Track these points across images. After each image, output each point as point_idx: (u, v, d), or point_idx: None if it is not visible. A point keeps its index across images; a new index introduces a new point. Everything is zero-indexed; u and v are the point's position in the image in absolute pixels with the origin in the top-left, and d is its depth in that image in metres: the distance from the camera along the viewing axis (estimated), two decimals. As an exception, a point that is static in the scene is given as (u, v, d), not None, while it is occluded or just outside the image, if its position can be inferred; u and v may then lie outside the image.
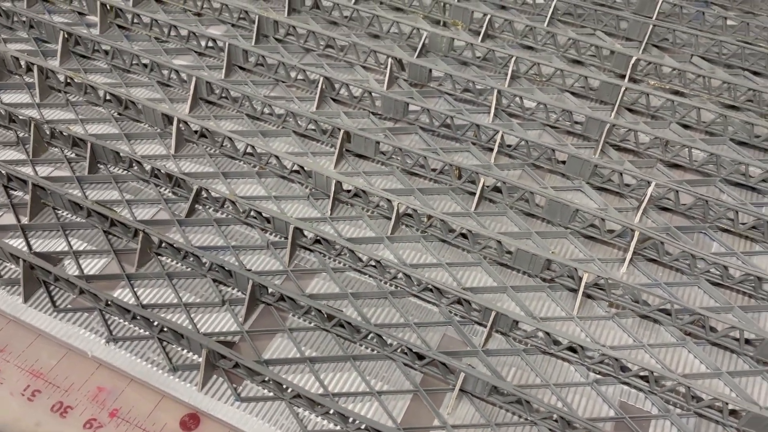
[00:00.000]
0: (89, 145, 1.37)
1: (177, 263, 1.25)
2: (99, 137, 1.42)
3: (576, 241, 1.30)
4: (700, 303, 1.21)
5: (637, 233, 1.23)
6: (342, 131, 1.41)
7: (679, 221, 1.35)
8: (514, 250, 1.22)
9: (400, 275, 1.20)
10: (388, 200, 1.29)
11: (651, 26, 1.66)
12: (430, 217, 1.28)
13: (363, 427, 1.02)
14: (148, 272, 1.23)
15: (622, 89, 1.51)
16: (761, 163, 1.39)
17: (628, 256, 1.25)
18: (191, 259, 1.22)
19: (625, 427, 1.06)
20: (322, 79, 1.52)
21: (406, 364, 1.11)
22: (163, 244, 1.23)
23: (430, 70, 1.57)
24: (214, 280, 1.21)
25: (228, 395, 1.08)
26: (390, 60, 1.57)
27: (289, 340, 1.15)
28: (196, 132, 1.44)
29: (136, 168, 1.37)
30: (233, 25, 1.73)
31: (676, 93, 1.59)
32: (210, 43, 1.64)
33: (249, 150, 1.41)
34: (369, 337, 1.12)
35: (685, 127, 1.52)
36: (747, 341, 1.13)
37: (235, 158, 1.43)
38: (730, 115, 1.48)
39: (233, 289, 1.22)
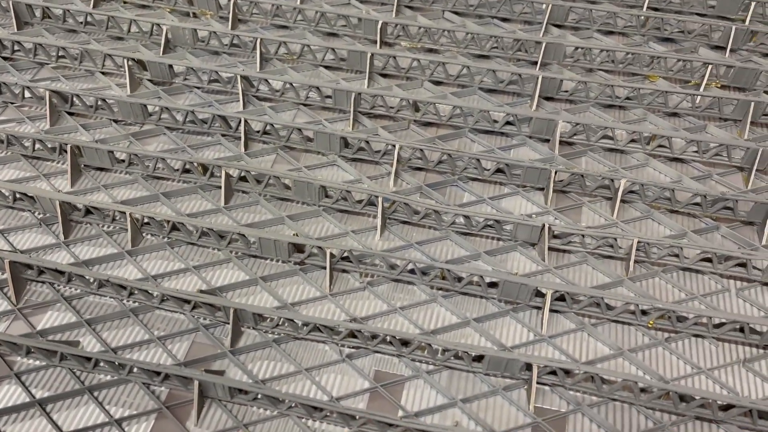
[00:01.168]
0: None
1: None
2: None
3: (330, 218, 1.27)
4: (452, 255, 1.22)
5: (380, 199, 1.22)
6: (70, 147, 1.30)
7: (433, 178, 1.35)
8: (257, 239, 1.17)
9: (136, 291, 1.12)
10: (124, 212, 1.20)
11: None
12: (167, 223, 1.20)
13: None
14: None
15: (368, 55, 1.50)
16: (508, 108, 1.42)
17: (379, 223, 1.24)
18: None
19: (379, 396, 1.04)
20: (48, 93, 1.40)
21: (147, 383, 1.04)
22: None
23: (171, 66, 1.48)
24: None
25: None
26: (126, 61, 1.46)
27: (19, 387, 1.04)
28: None
29: None
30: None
31: (430, 51, 1.60)
32: None
33: (-35, 184, 1.27)
34: (101, 364, 1.04)
35: (438, 83, 1.53)
36: (491, 284, 1.14)
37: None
38: (474, 65, 1.50)
39: (-48, 342, 1.09)
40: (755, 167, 1.31)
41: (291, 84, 1.45)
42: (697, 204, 1.25)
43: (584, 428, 1.01)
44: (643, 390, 1.01)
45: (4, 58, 1.55)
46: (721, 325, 1.07)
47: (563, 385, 1.03)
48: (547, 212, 1.27)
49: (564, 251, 1.23)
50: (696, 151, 1.36)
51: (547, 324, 1.10)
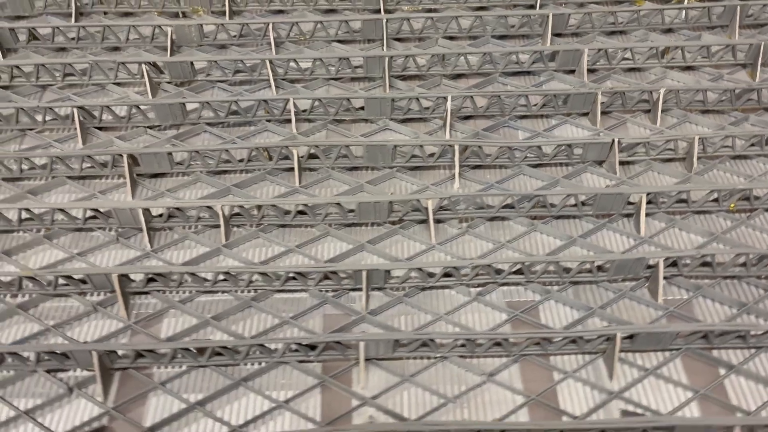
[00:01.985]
0: None
1: (-7, 373, 1.03)
2: None
3: (405, 176, 1.30)
4: (531, 187, 1.28)
5: (456, 146, 1.26)
6: (126, 156, 1.24)
7: (483, 123, 1.40)
8: (356, 205, 1.18)
9: (255, 278, 1.10)
10: (209, 207, 1.17)
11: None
12: (260, 207, 1.18)
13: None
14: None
15: (384, 21, 1.52)
16: (538, 47, 1.49)
17: (456, 171, 1.27)
18: (9, 360, 1.01)
19: (521, 323, 1.09)
20: (75, 110, 1.33)
21: (301, 362, 1.03)
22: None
23: (192, 63, 1.44)
24: (48, 371, 1.02)
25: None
26: (144, 66, 1.41)
27: (167, 395, 1.00)
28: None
29: None
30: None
31: (431, 11, 1.64)
32: None
33: (25, 215, 1.19)
34: (251, 353, 1.02)
35: (451, 38, 1.58)
36: (583, 203, 1.21)
37: (11, 230, 1.21)
38: (482, 15, 1.55)
39: (75, 371, 1.03)
40: (760, 61, 1.46)
41: (321, 60, 1.45)
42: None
43: (709, 308, 1.10)
44: (743, 264, 1.12)
45: (4, 87, 1.45)
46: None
47: (681, 274, 1.11)
48: (598, 132, 1.35)
49: (628, 163, 1.31)
50: (705, 57, 1.48)
51: (644, 227, 1.18)
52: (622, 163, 1.30)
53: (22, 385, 1.02)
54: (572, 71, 1.49)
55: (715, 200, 1.21)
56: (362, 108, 1.39)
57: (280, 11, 1.64)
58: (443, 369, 1.04)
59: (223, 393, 1.00)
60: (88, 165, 1.27)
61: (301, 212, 1.20)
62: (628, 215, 1.22)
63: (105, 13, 1.63)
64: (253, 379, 1.02)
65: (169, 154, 1.26)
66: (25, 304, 1.10)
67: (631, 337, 1.02)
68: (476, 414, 0.98)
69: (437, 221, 1.22)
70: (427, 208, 1.18)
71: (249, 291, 1.12)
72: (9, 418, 0.98)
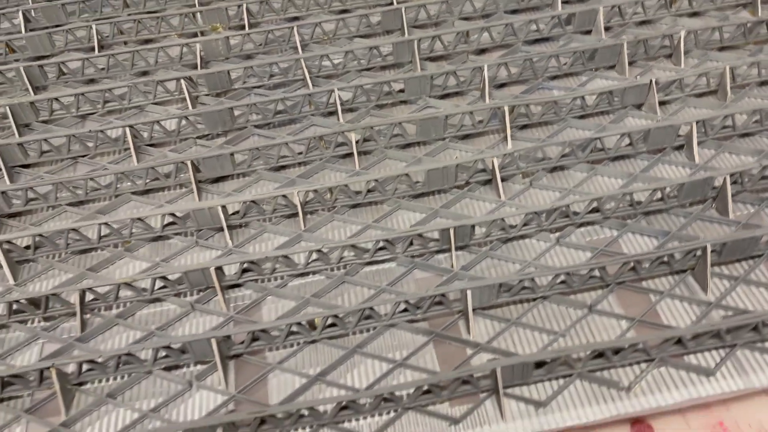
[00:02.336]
0: None
1: (108, 380, 1.03)
2: None
3: (458, 145, 1.34)
4: (581, 137, 1.33)
5: (506, 107, 1.31)
6: (189, 163, 1.26)
7: (518, 89, 1.46)
8: (424, 175, 1.22)
9: (344, 254, 1.13)
10: (284, 197, 1.20)
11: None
12: (332, 191, 1.21)
13: (419, 391, 0.95)
14: (86, 408, 0.99)
15: (402, 10, 1.57)
16: (545, 14, 1.56)
17: (508, 131, 1.32)
18: (128, 365, 1.01)
19: (607, 257, 1.13)
20: (127, 129, 1.35)
21: (410, 321, 1.06)
22: (84, 370, 1.00)
23: (228, 73, 1.48)
24: (165, 369, 1.03)
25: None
26: (182, 81, 1.44)
27: (286, 374, 1.02)
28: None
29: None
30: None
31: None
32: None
33: (104, 232, 1.20)
34: (359, 322, 1.04)
35: (467, 19, 1.64)
36: (631, 144, 1.27)
37: (91, 249, 1.22)
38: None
39: (189, 366, 1.04)
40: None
41: (352, 52, 1.50)
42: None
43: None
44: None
45: (44, 122, 1.46)
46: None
47: (745, 189, 1.17)
48: (626, 79, 1.41)
49: (665, 103, 1.38)
50: (711, 1, 1.57)
51: (698, 155, 1.24)
52: (660, 103, 1.36)
53: (138, 388, 1.02)
54: (589, 32, 1.55)
55: (757, 121, 1.28)
56: (401, 91, 1.43)
57: (296, 18, 1.69)
58: (545, 309, 1.07)
59: (340, 363, 1.02)
60: (151, 178, 1.29)
61: (369, 191, 1.23)
62: (679, 147, 1.28)
63: (125, 42, 1.66)
64: (365, 346, 1.04)
65: (232, 154, 1.28)
66: (122, 313, 1.11)
67: (714, 251, 1.07)
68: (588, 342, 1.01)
69: (502, 180, 1.26)
70: (492, 168, 1.22)
71: (339, 269, 1.15)
72: (133, 420, 0.98)
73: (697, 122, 1.24)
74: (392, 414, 0.96)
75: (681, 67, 1.44)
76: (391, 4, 1.66)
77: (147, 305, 1.13)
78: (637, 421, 1.00)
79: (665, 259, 1.07)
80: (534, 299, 1.07)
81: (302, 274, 1.14)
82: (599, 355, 0.97)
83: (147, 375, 1.03)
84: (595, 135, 1.25)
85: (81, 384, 1.02)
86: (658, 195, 1.17)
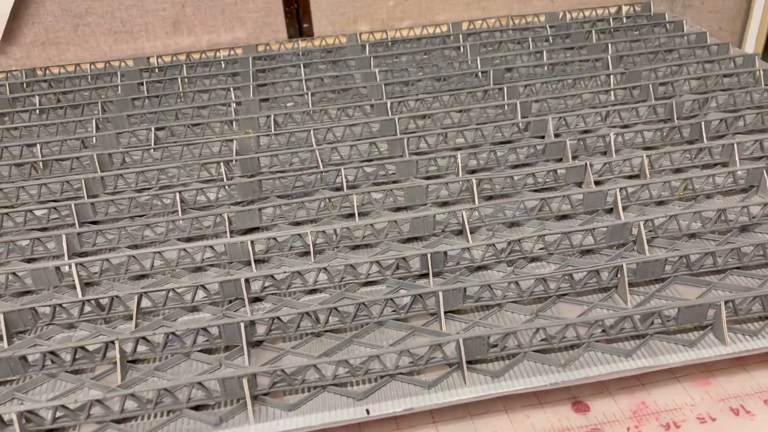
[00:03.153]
0: None
1: (156, 359, 1.30)
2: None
3: (437, 209, 1.69)
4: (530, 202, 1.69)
5: (474, 180, 1.68)
6: (225, 215, 1.62)
7: (485, 173, 1.84)
8: (410, 222, 1.56)
9: (345, 276, 1.44)
10: (299, 235, 1.54)
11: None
12: (336, 233, 1.55)
13: (402, 359, 1.22)
14: (138, 377, 1.26)
15: (396, 119, 2.01)
16: (506, 123, 1.99)
17: (476, 197, 1.68)
18: (172, 347, 1.29)
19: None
20: (177, 194, 1.71)
21: (395, 320, 1.35)
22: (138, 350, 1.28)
23: (258, 159, 1.88)
24: (201, 351, 1.30)
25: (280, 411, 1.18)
26: (222, 165, 1.84)
27: (297, 357, 1.29)
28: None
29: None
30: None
31: (426, 117, 2.15)
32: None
33: (156, 263, 1.52)
34: (355, 318, 1.33)
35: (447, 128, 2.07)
36: (570, 205, 1.62)
37: (145, 275, 1.53)
38: (467, 109, 2.07)
39: (220, 352, 1.32)
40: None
41: (356, 146, 1.91)
42: None
43: None
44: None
45: (110, 194, 1.83)
46: None
47: (658, 236, 1.51)
48: (569, 165, 1.80)
49: (598, 182, 1.76)
50: (636, 116, 2.01)
51: (623, 214, 1.60)
52: (595, 182, 1.74)
53: (179, 367, 1.29)
54: (542, 136, 1.98)
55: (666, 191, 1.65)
56: (394, 173, 1.82)
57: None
58: (501, 315, 1.36)
59: (339, 348, 1.30)
60: (194, 229, 1.64)
61: (365, 236, 1.57)
62: (609, 210, 1.64)
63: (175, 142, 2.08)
64: (360, 337, 1.32)
65: (259, 209, 1.64)
66: (168, 316, 1.40)
67: (630, 272, 1.38)
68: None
69: (470, 231, 1.60)
70: (462, 220, 1.57)
71: (341, 288, 1.45)
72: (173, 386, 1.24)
73: (620, 189, 1.61)
74: (381, 380, 1.22)
75: (613, 157, 1.83)
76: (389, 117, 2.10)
77: (188, 312, 1.42)
78: (576, 402, 1.26)
79: (595, 280, 1.38)
80: (492, 306, 1.37)
81: (312, 291, 1.45)
82: (543, 340, 1.25)
83: (186, 358, 1.30)
84: (543, 196, 1.61)
85: (134, 361, 1.29)
86: (590, 239, 1.51)
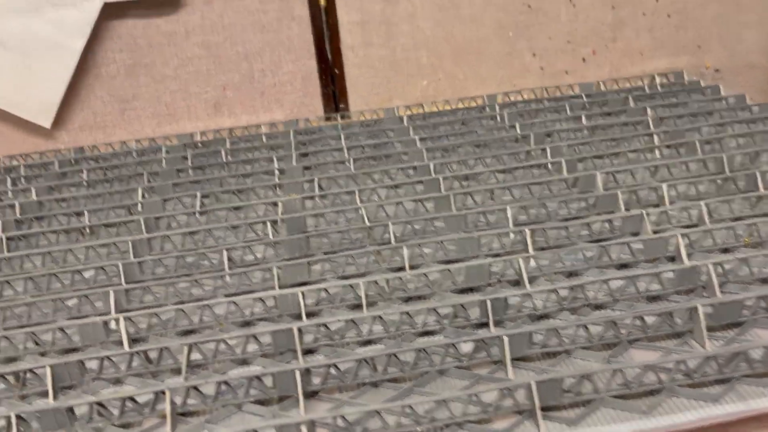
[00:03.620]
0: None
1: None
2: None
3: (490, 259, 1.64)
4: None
5: (527, 230, 1.64)
6: (275, 268, 1.58)
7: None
8: (464, 272, 1.51)
9: (402, 327, 1.38)
10: (351, 287, 1.49)
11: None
12: (388, 283, 1.50)
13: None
14: (189, 428, 1.18)
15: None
16: (551, 180, 1.96)
17: (530, 247, 1.64)
18: (224, 397, 1.22)
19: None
20: (224, 251, 1.69)
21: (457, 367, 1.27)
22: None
23: (305, 218, 1.86)
24: (254, 402, 1.23)
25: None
26: (269, 224, 1.82)
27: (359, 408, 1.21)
28: (142, 326, 1.46)
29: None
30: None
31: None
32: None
33: (205, 318, 1.48)
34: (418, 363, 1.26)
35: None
36: (632, 253, 1.56)
37: (192, 330, 1.48)
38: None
39: (274, 403, 1.24)
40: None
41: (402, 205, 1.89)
42: None
43: None
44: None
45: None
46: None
47: (729, 280, 1.43)
48: (622, 215, 1.75)
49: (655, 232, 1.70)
50: (686, 170, 1.98)
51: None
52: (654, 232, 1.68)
53: (230, 419, 1.22)
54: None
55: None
56: (443, 228, 1.79)
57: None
58: (571, 362, 1.28)
59: (399, 398, 1.22)
60: (241, 283, 1.60)
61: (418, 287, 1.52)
62: (671, 259, 1.57)
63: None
64: (422, 387, 1.24)
65: (309, 263, 1.60)
66: (217, 369, 1.34)
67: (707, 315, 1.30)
68: (609, 379, 1.21)
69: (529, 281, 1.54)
70: (519, 268, 1.52)
71: (397, 338, 1.39)
72: None
73: (682, 235, 1.55)
74: (447, 430, 1.13)
75: (667, 206, 1.78)
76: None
77: (239, 366, 1.36)
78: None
79: (668, 324, 1.30)
80: (560, 352, 1.29)
81: (366, 342, 1.38)
82: (621, 385, 1.17)
83: (238, 409, 1.23)
84: (602, 243, 1.55)
85: (184, 414, 1.22)
86: (657, 285, 1.44)
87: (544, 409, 1.15)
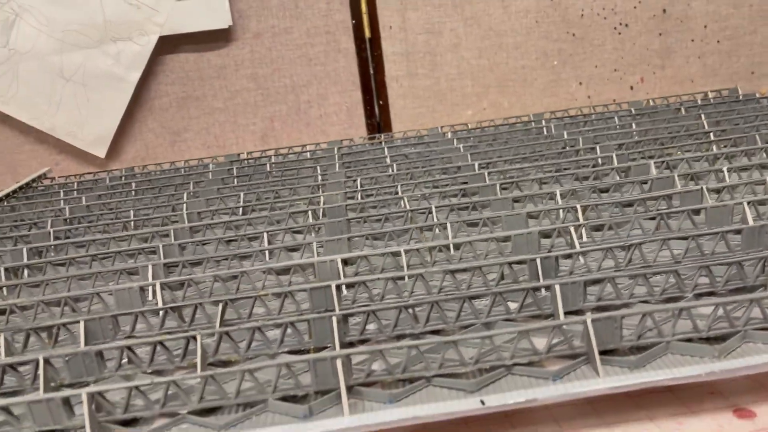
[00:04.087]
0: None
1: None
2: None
3: (539, 241, 1.56)
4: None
5: (578, 205, 1.56)
6: (314, 245, 1.54)
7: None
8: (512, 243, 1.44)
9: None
10: (393, 255, 1.43)
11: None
12: (431, 252, 1.44)
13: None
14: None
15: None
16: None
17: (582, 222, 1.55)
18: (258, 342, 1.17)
19: (682, 285, 1.25)
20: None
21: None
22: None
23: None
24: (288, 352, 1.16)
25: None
26: (310, 213, 1.79)
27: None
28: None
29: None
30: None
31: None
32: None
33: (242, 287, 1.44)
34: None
35: (539, 186, 1.98)
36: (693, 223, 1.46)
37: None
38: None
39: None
40: None
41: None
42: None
43: None
44: None
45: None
46: None
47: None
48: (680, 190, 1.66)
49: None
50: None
51: (753, 228, 1.42)
52: (714, 207, 1.58)
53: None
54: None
55: None
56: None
57: (398, 194, 2.09)
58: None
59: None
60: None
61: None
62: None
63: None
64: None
65: (349, 239, 1.55)
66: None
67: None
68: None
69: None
70: (571, 237, 1.43)
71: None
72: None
73: (748, 203, 1.44)
74: (494, 372, 1.04)
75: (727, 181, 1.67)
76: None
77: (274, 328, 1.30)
78: (738, 409, 1.03)
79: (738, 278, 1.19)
80: (619, 306, 1.19)
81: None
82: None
83: (273, 356, 1.16)
84: (660, 211, 1.46)
85: (215, 364, 1.16)
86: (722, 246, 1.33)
87: (602, 353, 1.04)
